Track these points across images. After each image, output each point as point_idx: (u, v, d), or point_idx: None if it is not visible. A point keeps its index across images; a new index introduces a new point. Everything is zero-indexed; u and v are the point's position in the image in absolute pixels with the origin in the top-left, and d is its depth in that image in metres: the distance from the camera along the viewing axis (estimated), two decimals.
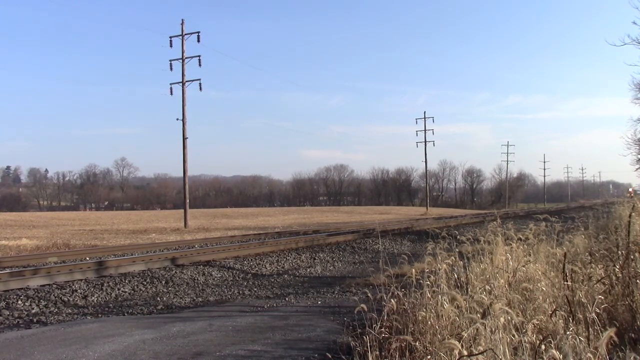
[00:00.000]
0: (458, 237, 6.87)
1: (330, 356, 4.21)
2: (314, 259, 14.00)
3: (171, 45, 33.01)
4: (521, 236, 6.79)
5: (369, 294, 4.66)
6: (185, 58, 32.98)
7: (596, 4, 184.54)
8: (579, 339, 3.37)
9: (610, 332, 2.92)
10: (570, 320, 3.93)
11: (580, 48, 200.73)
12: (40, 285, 9.33)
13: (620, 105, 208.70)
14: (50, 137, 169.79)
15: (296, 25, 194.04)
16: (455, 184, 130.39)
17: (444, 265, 5.05)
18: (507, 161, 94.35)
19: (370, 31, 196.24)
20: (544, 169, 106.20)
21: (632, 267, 5.19)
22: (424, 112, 65.61)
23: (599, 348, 2.95)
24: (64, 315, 7.78)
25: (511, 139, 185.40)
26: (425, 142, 60.40)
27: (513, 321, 3.60)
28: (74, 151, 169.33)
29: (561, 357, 3.00)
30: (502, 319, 3.52)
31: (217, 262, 12.54)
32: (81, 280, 9.90)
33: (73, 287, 9.30)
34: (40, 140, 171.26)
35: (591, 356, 3.08)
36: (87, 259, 13.72)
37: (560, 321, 4.03)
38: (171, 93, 33.25)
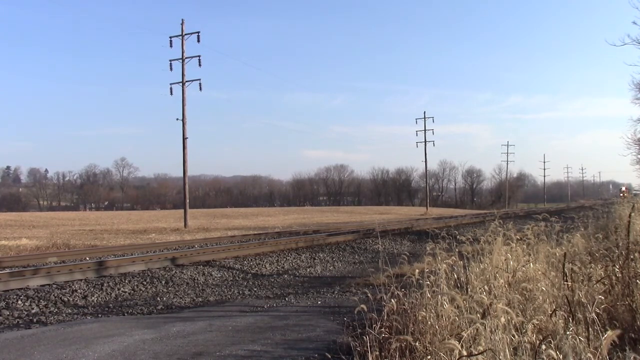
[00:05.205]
0: (458, 237, 6.87)
1: (330, 356, 4.21)
2: (314, 259, 13.99)
3: (171, 45, 33.01)
4: (521, 236, 6.80)
5: (369, 294, 4.67)
6: (185, 58, 32.97)
7: (596, 4, 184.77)
8: (579, 339, 3.37)
9: (613, 333, 2.89)
10: (570, 320, 3.93)
11: (580, 48, 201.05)
12: (40, 285, 9.33)
13: (620, 105, 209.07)
14: (50, 137, 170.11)
15: (297, 25, 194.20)
16: (455, 184, 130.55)
17: (444, 265, 5.05)
18: (507, 161, 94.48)
19: (372, 31, 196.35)
20: (544, 169, 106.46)
21: (632, 267, 5.19)
22: (424, 112, 65.71)
23: (602, 349, 2.94)
24: (64, 315, 7.77)
25: (512, 139, 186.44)
26: (425, 142, 60.44)
27: (513, 321, 3.60)
28: (74, 151, 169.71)
29: (561, 357, 3.00)
30: (502, 319, 3.52)
31: (217, 262, 12.54)
32: (81, 280, 9.90)
33: (73, 287, 9.30)
34: (40, 140, 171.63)
35: (591, 356, 3.08)
36: (87, 259, 13.72)
37: (560, 321, 4.03)
38: (171, 93, 33.25)
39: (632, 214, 6.77)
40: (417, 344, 3.95)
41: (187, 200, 33.26)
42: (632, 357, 3.14)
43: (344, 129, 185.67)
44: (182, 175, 34.14)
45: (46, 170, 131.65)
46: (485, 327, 3.39)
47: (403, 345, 3.82)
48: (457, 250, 6.09)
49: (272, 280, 10.94)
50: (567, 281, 4.74)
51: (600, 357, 3.01)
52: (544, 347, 3.14)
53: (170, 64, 33.10)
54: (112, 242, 20.94)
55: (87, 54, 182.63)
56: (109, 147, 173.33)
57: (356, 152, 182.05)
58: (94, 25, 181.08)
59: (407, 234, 20.58)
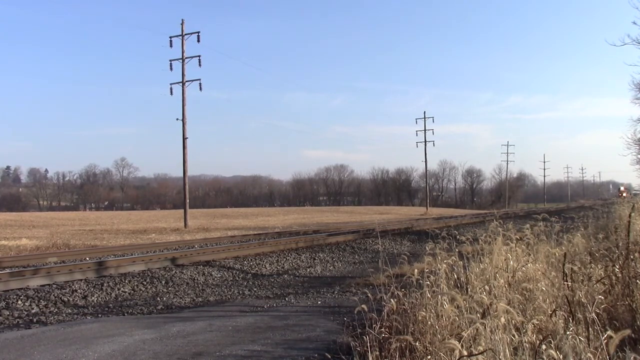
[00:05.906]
0: (458, 237, 6.87)
1: (329, 356, 4.21)
2: (314, 259, 13.99)
3: (171, 45, 33.02)
4: (520, 236, 6.79)
5: (369, 294, 4.66)
6: (186, 58, 32.97)
7: (596, 4, 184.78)
8: (579, 339, 3.37)
9: (620, 335, 2.87)
10: (570, 320, 3.93)
11: (580, 48, 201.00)
12: (40, 285, 9.33)
13: (620, 105, 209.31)
14: (50, 137, 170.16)
15: (297, 26, 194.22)
16: (455, 184, 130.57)
17: (444, 265, 5.05)
18: (507, 161, 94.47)
19: (372, 31, 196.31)
20: (544, 169, 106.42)
21: (632, 267, 5.19)
22: (424, 112, 65.87)
23: (605, 349, 2.94)
24: (64, 315, 7.77)
25: (512, 139, 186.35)
26: (425, 142, 60.46)
27: (513, 321, 3.60)
28: (74, 151, 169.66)
29: (561, 357, 3.00)
30: (502, 319, 3.52)
31: (217, 262, 12.54)
32: (81, 280, 9.90)
33: (73, 287, 9.30)
34: (40, 140, 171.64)
35: (591, 356, 3.08)
36: (87, 259, 13.72)
37: (560, 321, 4.03)
38: (171, 93, 33.26)
39: (632, 214, 6.77)
40: (417, 344, 3.95)
41: (187, 200, 33.26)
42: (632, 357, 3.13)
43: (344, 129, 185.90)
44: (182, 175, 34.15)
45: (46, 170, 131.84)
46: (485, 327, 3.39)
47: (403, 345, 3.82)
48: (457, 250, 6.09)
49: (272, 280, 10.94)
50: (567, 281, 4.73)
51: (600, 358, 3.01)
52: (544, 347, 3.14)
53: (170, 64, 33.12)
54: (112, 242, 20.94)
55: (87, 54, 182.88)
56: (109, 147, 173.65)
57: (356, 152, 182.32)
58: (94, 25, 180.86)
59: (407, 234, 20.58)
